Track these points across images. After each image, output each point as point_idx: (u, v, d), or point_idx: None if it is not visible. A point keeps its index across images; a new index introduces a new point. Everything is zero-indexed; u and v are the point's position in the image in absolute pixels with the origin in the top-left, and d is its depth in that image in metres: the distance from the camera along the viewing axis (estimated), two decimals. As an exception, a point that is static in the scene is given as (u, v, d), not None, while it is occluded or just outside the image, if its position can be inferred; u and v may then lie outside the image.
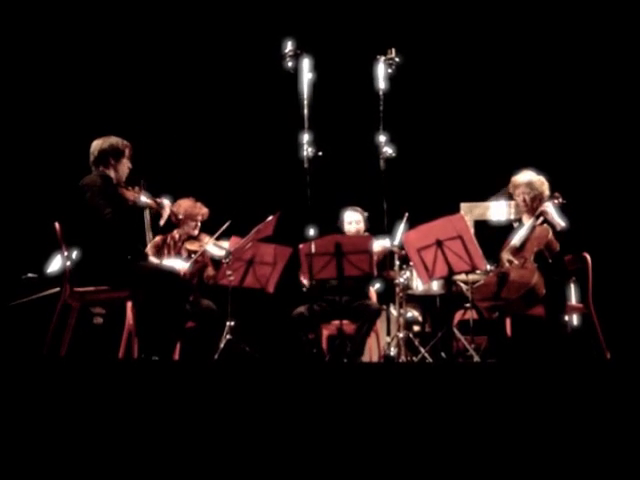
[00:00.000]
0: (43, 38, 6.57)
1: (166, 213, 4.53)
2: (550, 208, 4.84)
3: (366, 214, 5.57)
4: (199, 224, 5.34)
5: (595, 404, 2.72)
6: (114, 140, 4.48)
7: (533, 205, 4.93)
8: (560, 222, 4.80)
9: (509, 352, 4.82)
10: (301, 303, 5.27)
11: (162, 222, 4.56)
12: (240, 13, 6.80)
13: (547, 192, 4.93)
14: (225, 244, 5.14)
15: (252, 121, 6.87)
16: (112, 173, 4.45)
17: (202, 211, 5.32)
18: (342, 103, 6.55)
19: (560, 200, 4.87)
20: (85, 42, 6.65)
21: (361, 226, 5.56)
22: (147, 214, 4.75)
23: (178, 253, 5.31)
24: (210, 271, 5.29)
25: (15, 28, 6.52)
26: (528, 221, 4.95)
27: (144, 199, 4.45)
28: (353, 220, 5.56)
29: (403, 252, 5.25)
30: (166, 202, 4.56)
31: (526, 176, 4.95)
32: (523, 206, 4.97)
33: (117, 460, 2.61)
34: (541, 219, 4.86)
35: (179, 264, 5.07)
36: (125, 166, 4.50)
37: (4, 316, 5.46)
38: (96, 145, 4.47)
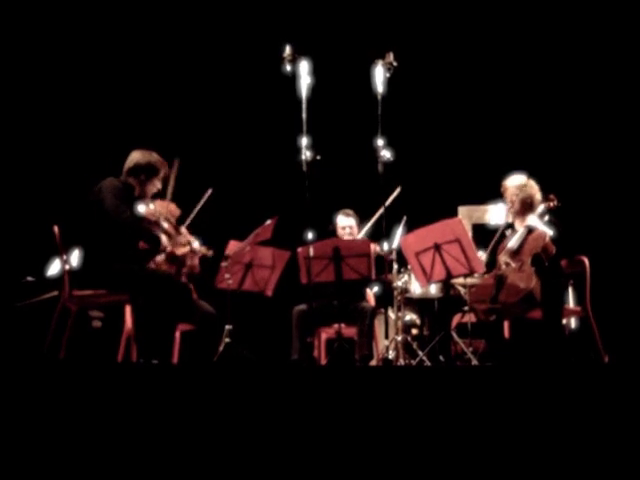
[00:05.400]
0: (44, 41, 6.57)
1: (185, 251, 4.39)
2: (534, 221, 4.86)
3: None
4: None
5: (593, 407, 2.73)
6: (154, 158, 4.39)
7: (522, 208, 4.95)
8: (547, 231, 4.81)
9: (507, 355, 4.83)
10: (300, 303, 5.27)
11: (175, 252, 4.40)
12: (239, 17, 6.81)
13: (538, 196, 4.96)
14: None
15: (251, 125, 6.88)
16: (137, 188, 4.37)
17: (175, 212, 5.20)
18: (340, 107, 6.57)
19: (554, 203, 4.89)
20: (86, 46, 6.64)
21: (355, 231, 5.60)
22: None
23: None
24: (195, 260, 5.12)
25: (13, 29, 6.52)
26: (519, 226, 4.97)
27: (164, 224, 4.29)
28: (347, 226, 5.60)
29: (391, 257, 5.26)
30: (195, 244, 4.43)
31: (516, 179, 5.01)
32: (511, 208, 5.01)
33: (116, 463, 2.62)
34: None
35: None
36: (154, 186, 4.41)
37: (3, 319, 5.46)
38: (134, 157, 4.39)
